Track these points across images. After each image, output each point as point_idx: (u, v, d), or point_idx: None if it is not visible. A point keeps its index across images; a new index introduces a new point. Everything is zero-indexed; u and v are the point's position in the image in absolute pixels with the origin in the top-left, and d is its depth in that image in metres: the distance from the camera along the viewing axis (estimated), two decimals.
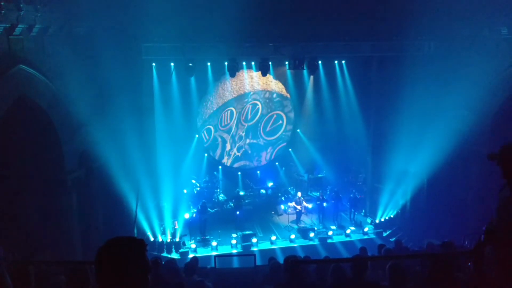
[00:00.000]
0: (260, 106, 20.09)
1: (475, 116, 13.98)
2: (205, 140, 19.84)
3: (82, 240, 12.69)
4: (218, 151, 20.43)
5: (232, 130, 20.23)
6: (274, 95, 20.14)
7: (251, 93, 19.80)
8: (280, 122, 20.64)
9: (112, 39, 12.33)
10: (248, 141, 20.48)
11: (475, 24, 13.56)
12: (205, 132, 19.77)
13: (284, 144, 21.09)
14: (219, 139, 20.25)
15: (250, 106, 20.01)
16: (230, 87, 19.48)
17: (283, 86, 19.96)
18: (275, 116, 20.47)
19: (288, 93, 20.30)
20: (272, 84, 19.72)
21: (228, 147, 20.40)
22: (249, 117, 20.17)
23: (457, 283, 4.78)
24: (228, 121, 20.04)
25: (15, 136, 10.87)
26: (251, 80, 19.47)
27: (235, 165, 20.67)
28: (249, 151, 20.66)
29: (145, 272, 2.21)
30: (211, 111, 19.61)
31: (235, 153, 20.53)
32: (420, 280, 4.94)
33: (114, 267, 2.15)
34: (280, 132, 20.74)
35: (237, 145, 20.46)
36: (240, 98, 19.76)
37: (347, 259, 6.38)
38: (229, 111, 19.88)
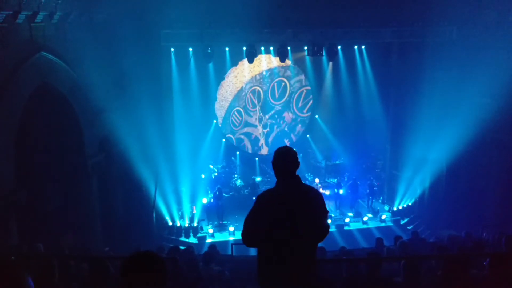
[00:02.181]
0: (258, 88, 20.23)
1: (498, 104, 13.68)
2: (233, 143, 20.36)
3: (103, 224, 12.97)
4: (249, 146, 20.78)
5: (252, 120, 20.45)
6: (264, 73, 20.17)
7: (245, 85, 19.93)
8: (283, 84, 20.68)
9: (131, 26, 12.43)
10: (267, 116, 20.77)
11: (501, 9, 13.18)
12: (228, 140, 20.14)
13: (302, 90, 20.86)
14: (243, 136, 20.61)
15: (250, 94, 20.16)
16: (225, 92, 19.70)
17: (270, 60, 19.76)
18: (276, 84, 20.54)
19: (288, 62, 19.92)
20: (260, 66, 19.71)
21: (259, 130, 20.74)
22: (255, 102, 20.34)
23: (472, 281, 4.77)
24: (240, 118, 20.30)
25: (38, 122, 11.10)
26: (243, 73, 19.61)
27: (270, 138, 20.95)
28: (273, 121, 20.96)
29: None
30: (219, 124, 19.91)
31: (263, 132, 20.92)
32: (435, 278, 4.94)
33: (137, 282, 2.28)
34: (288, 91, 20.78)
35: (262, 124, 20.74)
36: (238, 95, 19.96)
37: (361, 259, 6.35)
38: (235, 111, 20.13)
